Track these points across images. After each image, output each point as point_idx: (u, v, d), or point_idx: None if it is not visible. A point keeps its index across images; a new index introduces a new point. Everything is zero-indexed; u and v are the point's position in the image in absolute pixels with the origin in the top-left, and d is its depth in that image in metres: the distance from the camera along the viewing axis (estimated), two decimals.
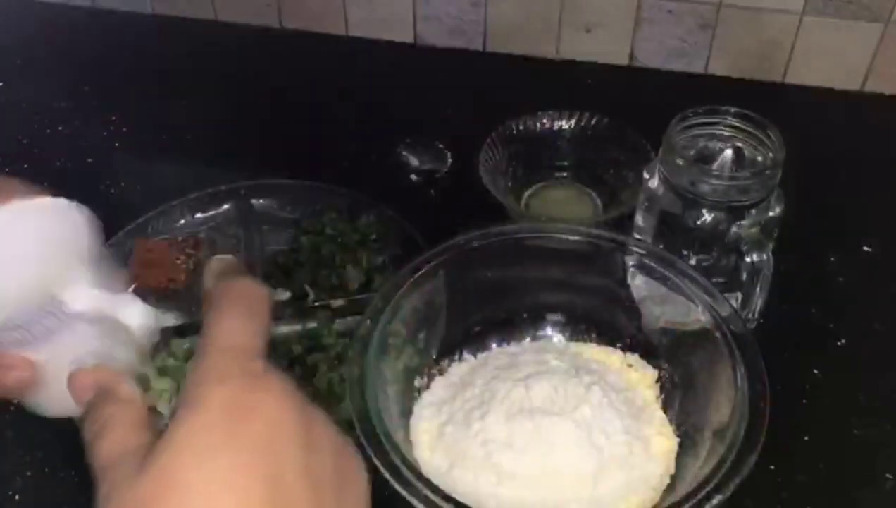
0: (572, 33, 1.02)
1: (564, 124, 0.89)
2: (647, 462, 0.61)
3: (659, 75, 1.02)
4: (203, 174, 0.92)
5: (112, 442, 0.37)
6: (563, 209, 0.86)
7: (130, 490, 0.33)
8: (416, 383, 0.67)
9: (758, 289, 0.67)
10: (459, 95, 1.02)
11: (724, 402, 0.59)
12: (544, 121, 0.89)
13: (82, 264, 0.46)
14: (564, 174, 0.89)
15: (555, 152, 0.89)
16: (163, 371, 0.71)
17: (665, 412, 0.66)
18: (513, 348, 0.71)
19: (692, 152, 0.70)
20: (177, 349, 0.72)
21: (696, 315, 0.64)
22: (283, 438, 0.34)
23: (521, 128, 0.88)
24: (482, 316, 0.71)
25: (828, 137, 0.94)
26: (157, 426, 0.69)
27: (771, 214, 0.69)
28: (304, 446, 0.35)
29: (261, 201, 0.86)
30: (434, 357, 0.69)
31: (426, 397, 0.67)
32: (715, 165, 0.70)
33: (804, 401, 0.71)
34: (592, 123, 0.88)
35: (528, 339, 0.71)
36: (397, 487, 0.53)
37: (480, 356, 0.70)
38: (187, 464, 0.33)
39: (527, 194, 0.88)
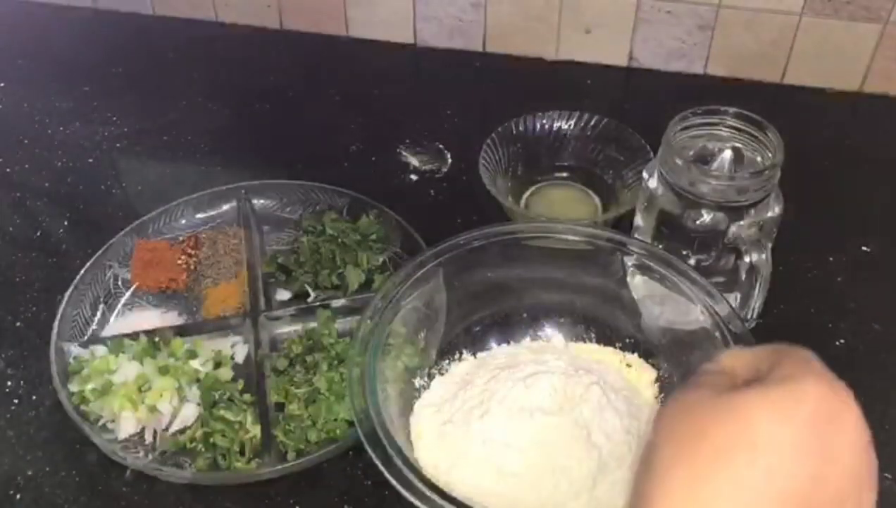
0: (572, 34, 1.02)
1: (564, 124, 0.89)
2: None
3: (658, 76, 1.02)
4: (203, 174, 0.92)
5: None
6: (563, 209, 0.86)
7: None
8: (416, 382, 0.67)
9: (756, 289, 0.67)
10: (459, 95, 1.02)
11: None
12: (544, 121, 0.89)
13: None
14: (564, 174, 0.89)
15: (555, 152, 0.89)
16: (163, 371, 0.71)
17: None
18: (513, 348, 0.71)
19: (691, 153, 0.70)
20: (177, 349, 0.73)
21: (695, 315, 0.64)
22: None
23: (520, 128, 0.88)
24: (482, 316, 0.71)
25: (826, 138, 0.95)
26: (160, 425, 0.70)
27: (770, 214, 0.69)
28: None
29: (261, 201, 0.86)
30: (434, 357, 0.69)
31: (426, 396, 0.67)
32: (714, 166, 0.70)
33: None
34: (592, 123, 0.89)
35: (527, 339, 0.71)
36: (398, 487, 0.53)
37: (480, 355, 0.70)
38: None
39: (527, 194, 0.88)
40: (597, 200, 0.87)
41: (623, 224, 0.78)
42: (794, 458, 0.36)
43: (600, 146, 0.88)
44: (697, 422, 0.38)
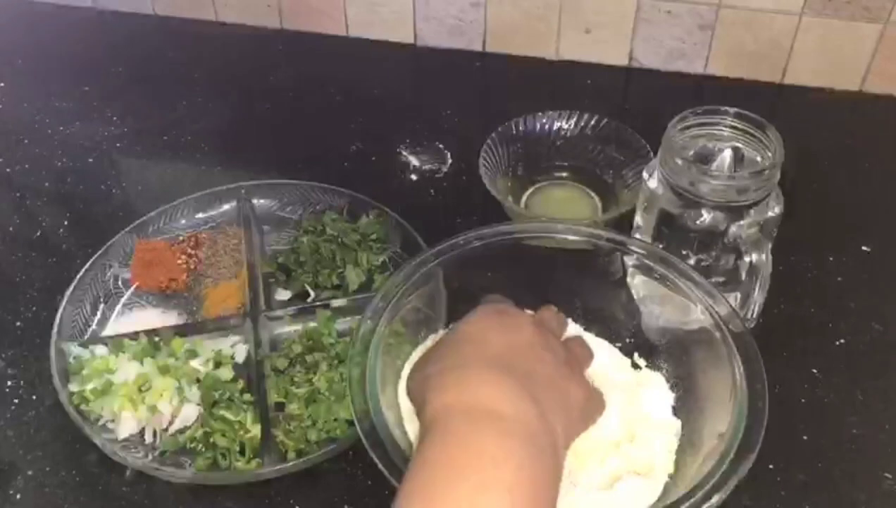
0: (572, 34, 1.02)
1: (564, 124, 0.89)
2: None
3: (658, 76, 1.02)
4: (203, 174, 0.92)
5: None
6: (562, 209, 0.86)
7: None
8: None
9: (757, 289, 0.67)
10: (459, 95, 1.02)
11: (724, 401, 0.59)
12: (544, 121, 0.89)
13: None
14: (564, 174, 0.89)
15: (555, 152, 0.89)
16: (163, 370, 0.71)
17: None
18: None
19: (691, 153, 0.70)
20: (177, 348, 0.73)
21: (695, 315, 0.64)
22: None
23: (521, 128, 0.88)
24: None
25: (826, 138, 0.95)
26: (160, 425, 0.70)
27: (770, 214, 0.69)
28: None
29: (261, 201, 0.86)
30: None
31: None
32: (714, 166, 0.70)
33: (803, 401, 0.71)
34: (592, 123, 0.89)
35: None
36: (397, 486, 0.53)
37: None
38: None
39: (527, 194, 0.88)
40: (597, 200, 0.87)
41: (623, 224, 0.78)
42: (489, 332, 0.58)
43: (600, 146, 0.88)
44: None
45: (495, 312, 0.61)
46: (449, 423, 0.50)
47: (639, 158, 0.84)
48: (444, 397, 0.52)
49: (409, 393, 0.60)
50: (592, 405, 0.60)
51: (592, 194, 0.88)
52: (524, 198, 0.87)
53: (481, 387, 0.52)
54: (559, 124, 0.89)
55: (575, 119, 0.89)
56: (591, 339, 0.70)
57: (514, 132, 0.88)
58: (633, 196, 0.79)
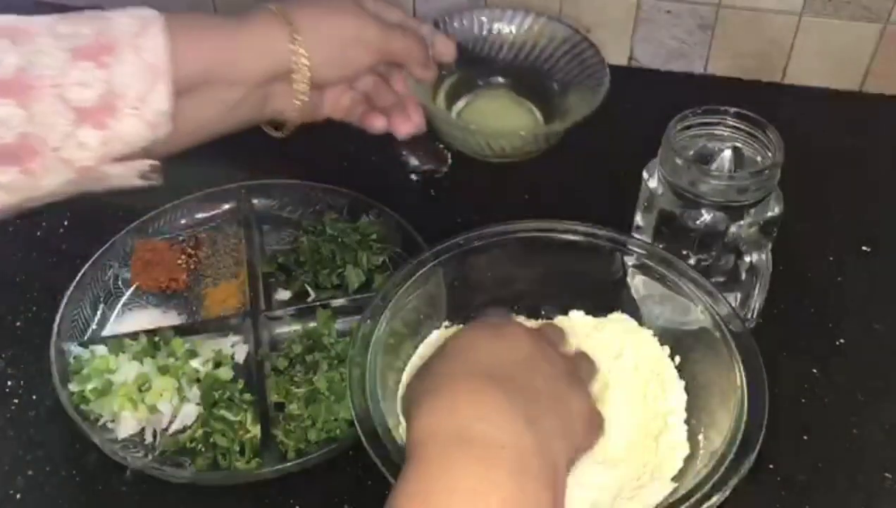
0: None
1: (505, 28, 0.79)
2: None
3: (658, 75, 1.02)
4: (203, 174, 0.92)
5: None
6: (498, 120, 0.80)
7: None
8: None
9: (757, 289, 0.67)
10: None
11: (724, 401, 0.59)
12: (483, 19, 0.79)
13: None
14: (500, 80, 0.81)
15: (492, 59, 0.81)
16: (163, 370, 0.71)
17: None
18: None
19: (691, 152, 0.70)
20: (177, 348, 0.73)
21: (695, 315, 0.64)
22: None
23: (456, 25, 0.79)
24: (481, 316, 0.71)
25: (826, 138, 0.94)
26: (160, 425, 0.70)
27: (770, 214, 0.69)
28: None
29: (261, 201, 0.86)
30: None
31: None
32: (714, 166, 0.70)
33: (803, 401, 0.71)
34: (537, 27, 0.79)
35: None
36: None
37: None
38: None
39: (459, 103, 0.82)
40: (537, 113, 0.81)
41: (623, 224, 0.78)
42: (481, 344, 0.55)
43: (546, 54, 0.81)
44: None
45: (489, 324, 0.58)
46: (429, 452, 0.47)
47: (589, 67, 0.77)
48: (428, 420, 0.49)
49: (403, 411, 0.58)
50: (595, 422, 0.56)
51: (533, 107, 0.82)
52: (456, 108, 0.82)
53: (468, 409, 0.48)
54: (499, 27, 0.79)
55: (518, 20, 0.79)
56: (630, 324, 0.69)
57: (452, 30, 0.79)
58: (580, 105, 0.75)
